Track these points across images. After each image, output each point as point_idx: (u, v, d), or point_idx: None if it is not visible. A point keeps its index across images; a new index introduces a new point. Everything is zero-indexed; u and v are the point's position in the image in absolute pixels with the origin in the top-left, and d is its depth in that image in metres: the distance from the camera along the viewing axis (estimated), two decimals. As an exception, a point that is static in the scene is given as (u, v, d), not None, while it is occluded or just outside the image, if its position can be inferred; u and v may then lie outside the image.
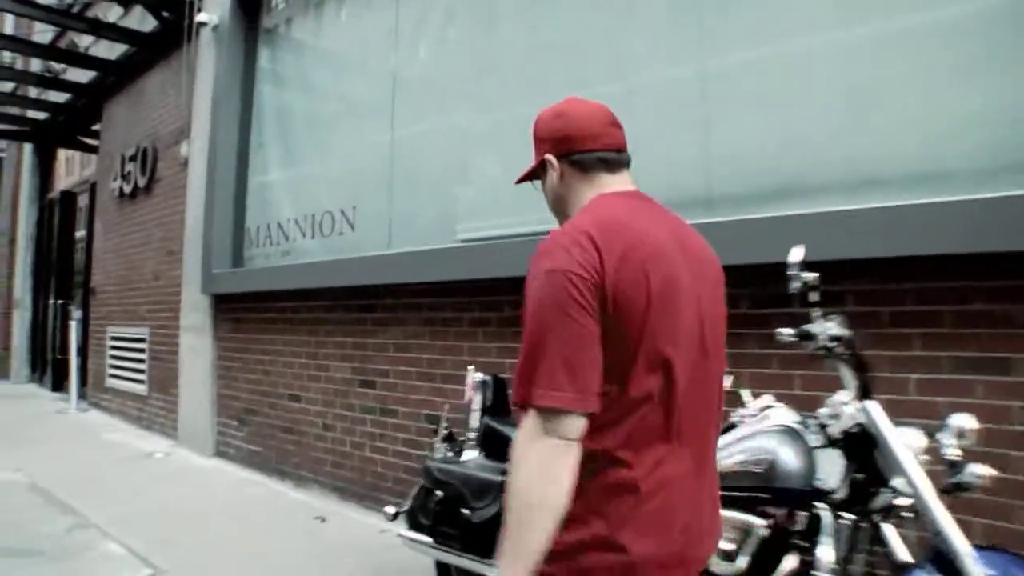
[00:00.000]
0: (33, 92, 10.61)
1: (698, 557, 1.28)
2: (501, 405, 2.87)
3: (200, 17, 6.57)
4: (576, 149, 1.34)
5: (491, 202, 4.10)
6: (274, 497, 5.05)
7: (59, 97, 9.82)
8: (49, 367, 10.80)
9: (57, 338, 10.57)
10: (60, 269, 11.44)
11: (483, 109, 4.18)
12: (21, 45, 8.32)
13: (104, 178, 8.89)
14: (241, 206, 6.12)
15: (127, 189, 8.05)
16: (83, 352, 9.09)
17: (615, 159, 1.35)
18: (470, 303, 4.02)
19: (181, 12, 6.89)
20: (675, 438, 1.21)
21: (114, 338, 8.32)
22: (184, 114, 6.95)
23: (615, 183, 1.35)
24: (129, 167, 8.02)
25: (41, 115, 10.46)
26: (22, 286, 11.52)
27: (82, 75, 9.08)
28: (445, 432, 3.03)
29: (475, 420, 2.86)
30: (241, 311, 5.89)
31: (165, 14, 7.12)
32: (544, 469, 1.10)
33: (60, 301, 10.75)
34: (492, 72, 4.19)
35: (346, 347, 4.81)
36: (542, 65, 3.91)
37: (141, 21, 7.76)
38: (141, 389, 7.53)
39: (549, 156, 1.37)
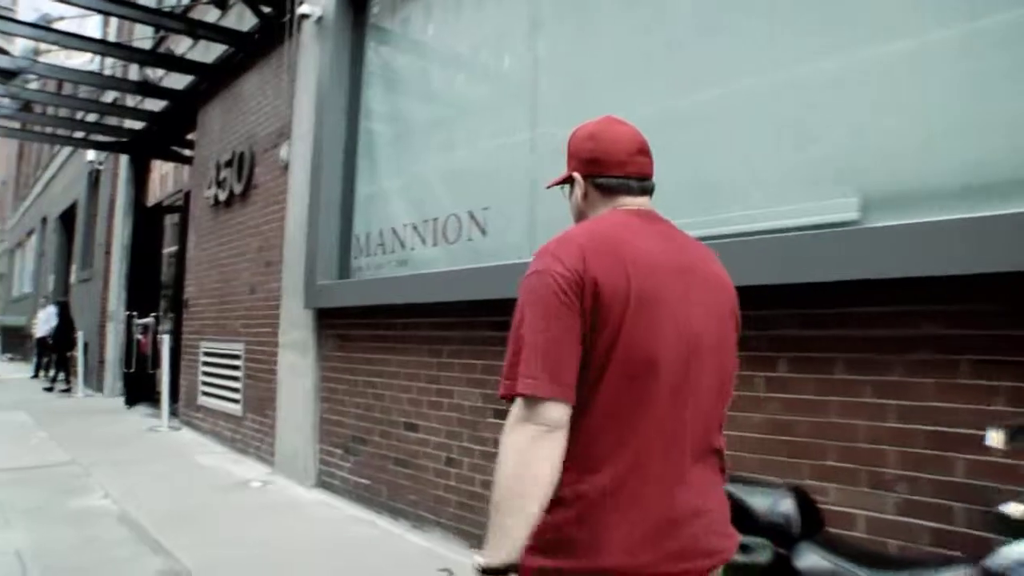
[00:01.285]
0: (131, 102, 10.54)
1: (696, 568, 1.26)
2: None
3: (303, 9, 6.09)
4: (602, 173, 1.40)
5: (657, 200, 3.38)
6: (388, 540, 4.40)
7: (155, 105, 9.64)
8: (121, 381, 10.68)
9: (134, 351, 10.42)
10: (151, 281, 11.31)
11: (647, 97, 3.45)
12: (124, 51, 8.06)
13: (198, 186, 8.57)
14: (348, 211, 5.55)
15: (222, 197, 7.66)
16: (174, 367, 8.78)
17: (638, 187, 1.41)
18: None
19: (282, 7, 6.45)
20: (652, 445, 1.22)
21: (207, 353, 7.92)
22: (284, 115, 6.49)
23: (632, 204, 1.40)
24: (224, 173, 7.63)
25: (138, 124, 10.34)
26: (116, 299, 11.39)
27: (178, 81, 8.86)
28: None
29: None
30: (349, 327, 5.29)
31: (265, 9, 6.69)
32: (524, 455, 1.14)
33: (152, 314, 10.56)
34: (656, 56, 3.46)
35: (475, 370, 4.13)
36: (720, 45, 3.16)
37: (239, 21, 7.41)
38: (235, 409, 7.06)
39: (576, 175, 1.44)
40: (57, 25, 7.53)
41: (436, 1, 4.99)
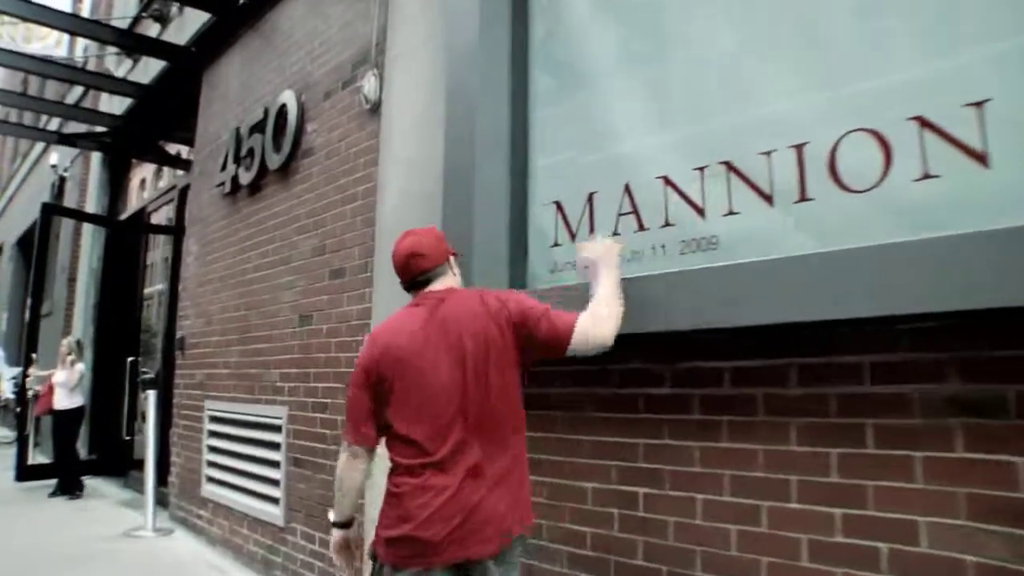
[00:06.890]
0: (118, 70, 8.10)
1: (462, 550, 1.87)
2: None
3: None
4: (400, 280, 2.17)
5: None
6: None
7: (145, 75, 7.15)
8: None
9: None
10: (128, 315, 8.62)
11: None
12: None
13: (203, 175, 5.99)
14: (521, 165, 3.01)
15: (245, 179, 5.09)
16: (161, 437, 6.08)
17: (421, 283, 2.11)
18: None
19: None
20: (440, 458, 1.90)
21: (216, 419, 5.25)
22: (364, 33, 4.02)
23: (417, 295, 2.12)
24: (250, 144, 5.07)
25: (119, 107, 7.82)
26: (83, 338, 8.60)
27: (179, 35, 6.42)
28: None
29: None
30: (548, 380, 2.71)
31: None
32: (342, 473, 2.06)
33: (130, 359, 7.89)
34: None
35: (901, 466, 1.61)
36: None
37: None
38: (272, 513, 4.37)
39: None
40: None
41: None
